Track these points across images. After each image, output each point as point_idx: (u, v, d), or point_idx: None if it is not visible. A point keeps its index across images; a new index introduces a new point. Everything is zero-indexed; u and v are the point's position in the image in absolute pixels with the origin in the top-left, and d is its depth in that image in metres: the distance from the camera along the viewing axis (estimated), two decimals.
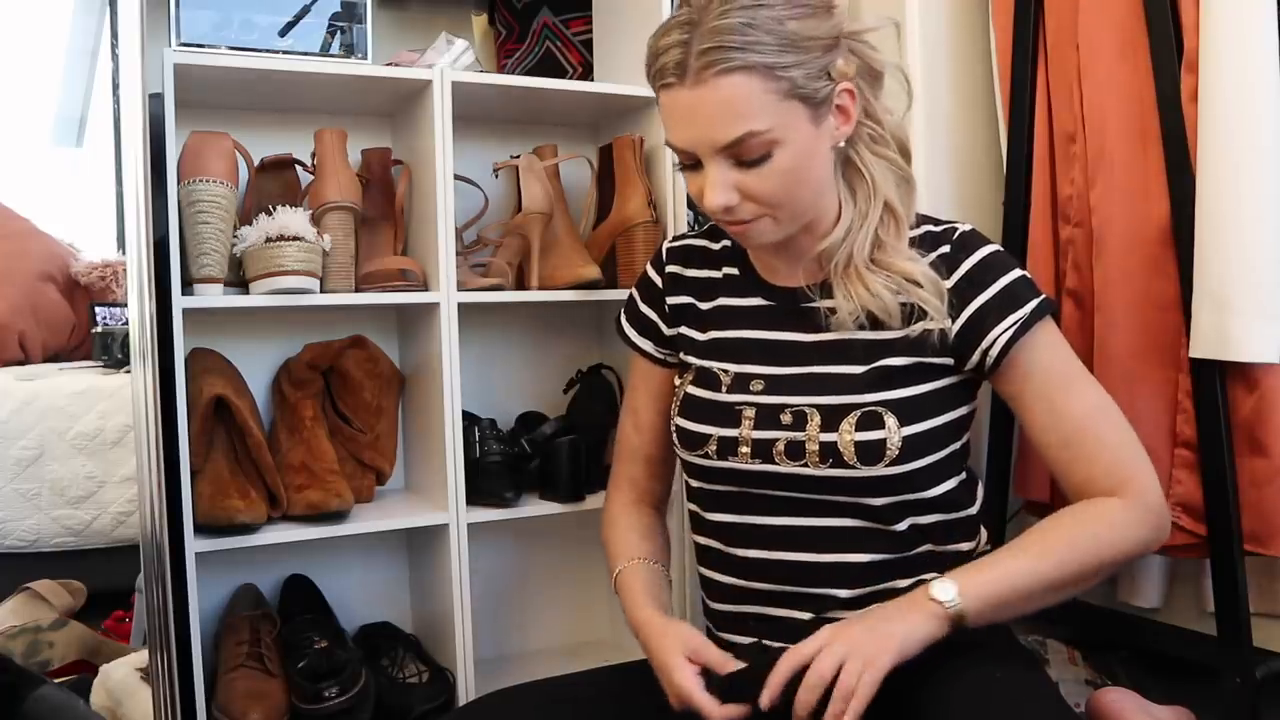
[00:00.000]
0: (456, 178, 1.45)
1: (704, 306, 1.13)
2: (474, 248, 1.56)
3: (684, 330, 1.14)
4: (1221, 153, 1.30)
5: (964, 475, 1.07)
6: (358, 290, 1.41)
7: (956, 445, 1.05)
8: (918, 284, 0.99)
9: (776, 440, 1.01)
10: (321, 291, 1.36)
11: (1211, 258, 1.32)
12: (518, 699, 1.05)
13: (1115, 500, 0.98)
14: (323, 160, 1.43)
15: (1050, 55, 1.56)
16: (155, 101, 1.25)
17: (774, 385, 1.04)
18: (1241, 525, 1.34)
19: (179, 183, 1.30)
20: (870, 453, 0.97)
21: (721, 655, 0.97)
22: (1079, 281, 1.52)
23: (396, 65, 1.47)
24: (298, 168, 1.48)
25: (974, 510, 1.09)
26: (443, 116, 1.40)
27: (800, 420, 1.00)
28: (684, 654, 0.97)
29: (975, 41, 1.71)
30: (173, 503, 1.23)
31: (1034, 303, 1.00)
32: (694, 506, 1.13)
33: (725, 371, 1.07)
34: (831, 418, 0.99)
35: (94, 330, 2.70)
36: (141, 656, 1.48)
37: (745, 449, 1.02)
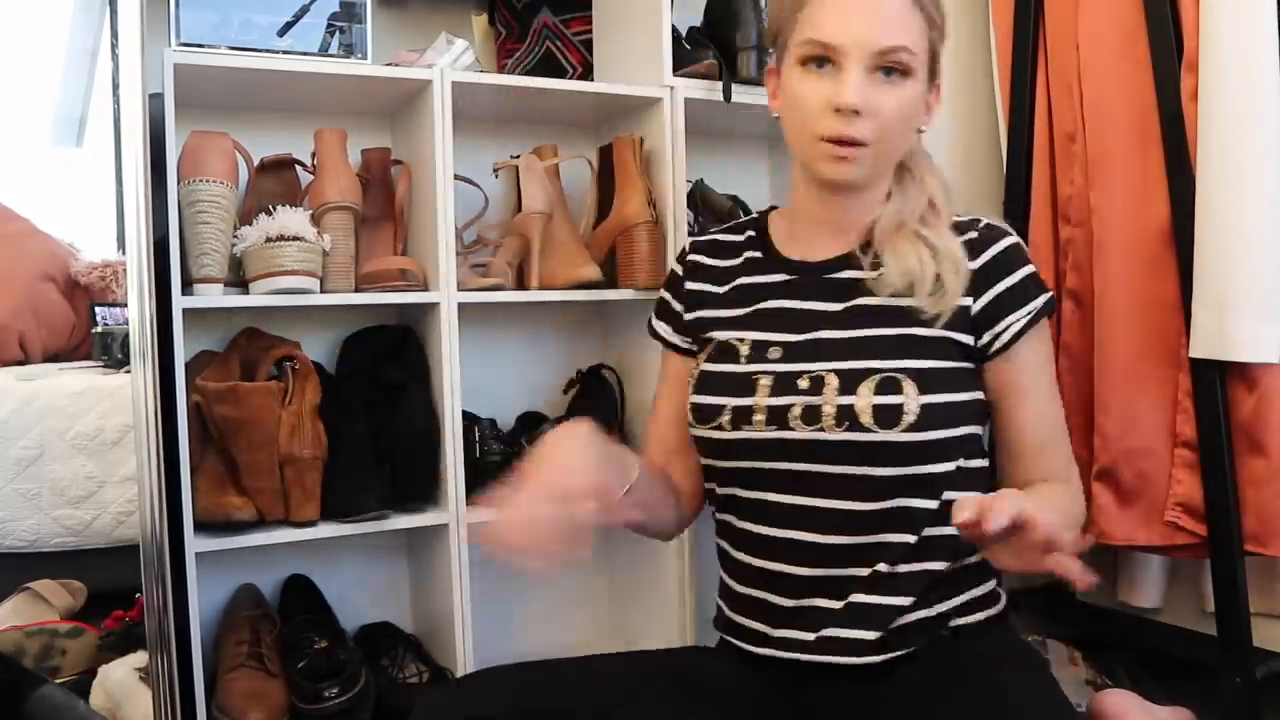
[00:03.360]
0: (456, 178, 1.45)
1: (721, 290, 1.16)
2: (474, 248, 1.56)
3: (702, 313, 1.16)
4: (1221, 153, 1.31)
5: (981, 463, 1.08)
6: (358, 290, 1.42)
7: (974, 429, 1.06)
8: (946, 261, 1.04)
9: (792, 405, 1.01)
10: (321, 291, 1.36)
11: (1211, 258, 1.32)
12: (522, 669, 1.03)
13: (1064, 484, 1.08)
14: (323, 160, 1.43)
15: (1050, 55, 1.56)
16: (155, 101, 1.25)
17: (792, 352, 1.05)
18: (1241, 525, 1.35)
19: (179, 183, 1.30)
20: (888, 416, 0.98)
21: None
22: (1079, 281, 1.52)
23: (396, 65, 1.47)
24: (298, 168, 1.48)
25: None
26: (443, 116, 1.40)
27: (818, 385, 1.01)
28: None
29: (975, 41, 1.72)
30: (173, 502, 1.23)
31: (1043, 298, 1.07)
32: (709, 485, 1.14)
33: (742, 341, 1.09)
34: (850, 381, 1.00)
35: (94, 330, 2.70)
36: (141, 657, 1.48)
37: (760, 417, 1.03)
